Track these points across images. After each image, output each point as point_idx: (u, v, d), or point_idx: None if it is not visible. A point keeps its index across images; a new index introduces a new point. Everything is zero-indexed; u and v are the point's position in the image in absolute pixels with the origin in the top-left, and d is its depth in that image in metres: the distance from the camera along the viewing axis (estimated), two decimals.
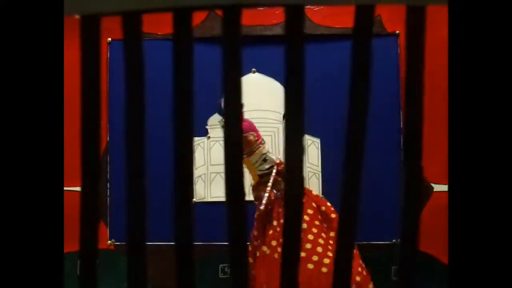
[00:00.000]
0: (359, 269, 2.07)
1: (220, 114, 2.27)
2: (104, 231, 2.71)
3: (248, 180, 2.73)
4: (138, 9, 0.65)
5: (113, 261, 2.60)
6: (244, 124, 2.21)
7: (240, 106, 0.66)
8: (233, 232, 0.67)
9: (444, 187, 2.61)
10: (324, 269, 1.96)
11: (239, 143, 0.67)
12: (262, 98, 2.75)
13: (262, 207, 2.12)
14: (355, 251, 1.17)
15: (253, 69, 2.77)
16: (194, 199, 2.79)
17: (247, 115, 2.74)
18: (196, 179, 2.80)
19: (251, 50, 2.69)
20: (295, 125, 0.66)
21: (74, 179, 0.70)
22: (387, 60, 2.60)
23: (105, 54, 2.65)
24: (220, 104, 2.10)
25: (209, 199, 2.79)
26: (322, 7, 2.61)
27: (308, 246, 2.02)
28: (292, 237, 0.67)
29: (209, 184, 2.80)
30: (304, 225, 2.08)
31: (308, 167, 2.73)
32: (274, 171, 2.17)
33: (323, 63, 2.68)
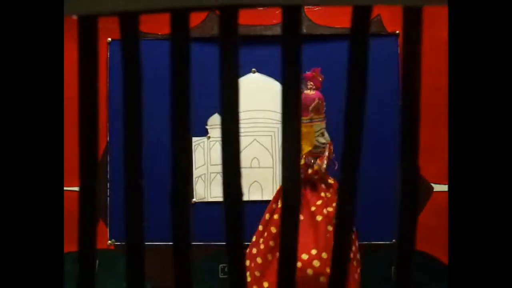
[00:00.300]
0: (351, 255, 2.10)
1: None
2: (104, 231, 2.71)
3: (248, 179, 2.73)
4: (136, 10, 0.65)
5: (113, 261, 2.60)
6: (317, 92, 2.26)
7: (237, 107, 0.66)
8: (230, 232, 0.67)
9: (444, 187, 2.61)
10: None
11: (237, 143, 0.66)
12: (262, 98, 2.75)
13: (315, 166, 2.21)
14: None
15: (253, 69, 2.77)
16: (194, 199, 2.79)
17: (247, 115, 2.75)
18: (196, 179, 2.80)
19: (251, 50, 2.69)
20: (290, 128, 0.66)
21: (74, 179, 0.70)
22: (387, 60, 2.61)
23: (104, 54, 2.65)
24: None
25: (209, 199, 2.79)
26: (321, 7, 2.61)
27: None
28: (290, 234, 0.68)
29: (209, 184, 2.80)
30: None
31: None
32: (327, 150, 2.26)
33: (323, 63, 2.68)
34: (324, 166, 2.23)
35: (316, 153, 2.27)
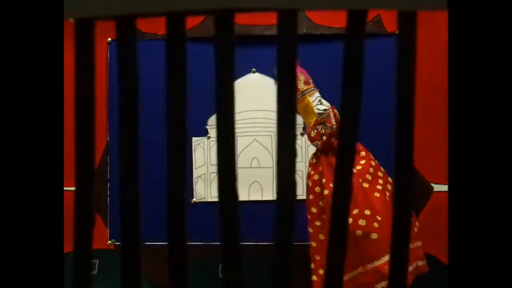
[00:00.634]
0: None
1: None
2: (104, 231, 2.71)
3: (248, 179, 2.73)
4: (133, 13, 0.65)
5: (113, 261, 2.60)
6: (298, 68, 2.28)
7: (233, 109, 0.66)
8: (226, 232, 0.67)
9: (444, 187, 2.61)
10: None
11: (232, 143, 0.66)
12: (262, 98, 2.75)
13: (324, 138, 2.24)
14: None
15: (253, 69, 2.77)
16: (194, 199, 2.79)
17: (247, 115, 2.75)
18: (196, 179, 2.80)
19: (251, 50, 2.69)
20: (287, 129, 0.66)
21: (72, 179, 0.70)
22: (386, 59, 2.60)
23: (104, 54, 2.66)
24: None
25: (209, 199, 2.79)
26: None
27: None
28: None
29: (209, 184, 2.81)
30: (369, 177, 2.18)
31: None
32: (332, 113, 2.31)
33: (323, 63, 2.68)
34: (335, 125, 2.27)
35: (322, 119, 2.31)
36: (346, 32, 0.66)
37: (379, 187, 2.17)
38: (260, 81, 2.78)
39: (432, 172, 2.56)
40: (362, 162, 2.21)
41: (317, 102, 2.34)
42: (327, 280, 0.68)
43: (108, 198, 2.73)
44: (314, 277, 2.21)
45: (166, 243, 0.69)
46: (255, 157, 2.79)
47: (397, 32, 0.68)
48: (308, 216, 2.26)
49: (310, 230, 2.26)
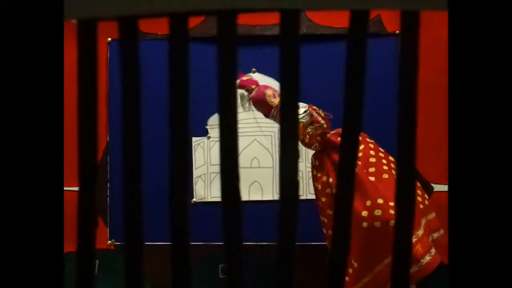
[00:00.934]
0: (419, 198, 2.11)
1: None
2: (104, 231, 2.71)
3: (248, 179, 2.73)
4: (135, 14, 0.65)
5: (113, 261, 2.60)
6: (259, 87, 2.27)
7: (235, 110, 0.66)
8: (229, 232, 0.67)
9: (444, 187, 2.61)
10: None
11: (235, 143, 0.67)
12: None
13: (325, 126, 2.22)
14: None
15: (253, 69, 2.77)
16: (194, 199, 2.79)
17: (247, 115, 2.75)
18: (196, 179, 2.80)
19: (251, 50, 2.69)
20: (290, 130, 0.66)
21: (73, 179, 0.70)
22: (387, 59, 2.61)
23: (105, 54, 2.65)
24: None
25: (209, 199, 2.79)
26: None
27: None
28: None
29: (209, 184, 2.81)
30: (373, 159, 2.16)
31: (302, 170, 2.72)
32: (313, 112, 2.27)
33: (323, 63, 2.68)
34: (322, 122, 2.24)
35: (307, 122, 2.28)
36: (348, 32, 0.66)
37: (385, 167, 2.13)
38: (260, 81, 2.78)
39: (432, 172, 2.56)
40: (361, 147, 2.19)
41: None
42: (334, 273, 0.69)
43: (108, 198, 2.73)
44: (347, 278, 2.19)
45: (166, 243, 0.69)
46: (255, 157, 2.79)
47: (398, 32, 0.68)
48: (324, 219, 2.24)
49: (330, 232, 2.24)
